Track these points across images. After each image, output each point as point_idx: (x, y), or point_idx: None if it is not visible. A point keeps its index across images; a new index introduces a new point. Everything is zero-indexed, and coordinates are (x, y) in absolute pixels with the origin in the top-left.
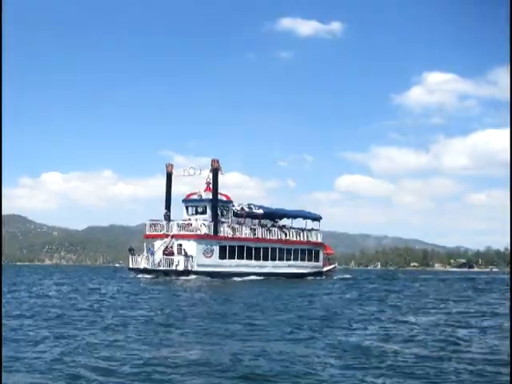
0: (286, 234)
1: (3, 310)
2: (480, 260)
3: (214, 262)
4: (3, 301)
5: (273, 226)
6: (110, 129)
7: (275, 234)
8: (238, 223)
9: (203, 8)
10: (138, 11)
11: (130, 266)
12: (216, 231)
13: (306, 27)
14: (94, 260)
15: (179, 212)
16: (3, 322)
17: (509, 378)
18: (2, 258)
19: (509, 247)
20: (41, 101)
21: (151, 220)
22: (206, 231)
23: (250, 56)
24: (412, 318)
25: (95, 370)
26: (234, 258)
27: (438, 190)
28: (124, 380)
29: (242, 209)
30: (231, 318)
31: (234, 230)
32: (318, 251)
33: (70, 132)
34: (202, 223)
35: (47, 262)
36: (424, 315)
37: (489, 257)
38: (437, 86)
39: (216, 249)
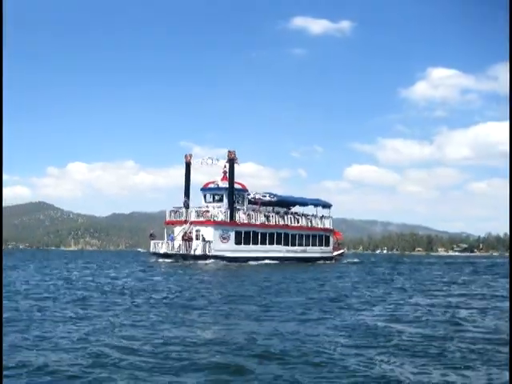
0: (298, 221)
1: (33, 290)
2: (481, 245)
3: (230, 247)
4: (33, 283)
5: (285, 212)
6: (132, 121)
7: (288, 221)
8: (253, 210)
9: (221, 8)
10: (162, 11)
11: (151, 250)
12: (232, 218)
13: (317, 26)
14: (116, 245)
15: (197, 200)
16: (37, 304)
17: (508, 356)
18: (32, 243)
19: (508, 233)
20: (67, 95)
21: (172, 207)
22: (223, 218)
23: (265, 53)
24: (417, 300)
25: (118, 349)
26: (249, 244)
27: (441, 180)
28: (145, 358)
29: (257, 197)
30: (246, 299)
31: (249, 216)
32: (328, 236)
33: (94, 124)
34: (218, 210)
35: (73, 247)
36: (428, 297)
37: (489, 242)
38: (440, 81)
39: (232, 234)
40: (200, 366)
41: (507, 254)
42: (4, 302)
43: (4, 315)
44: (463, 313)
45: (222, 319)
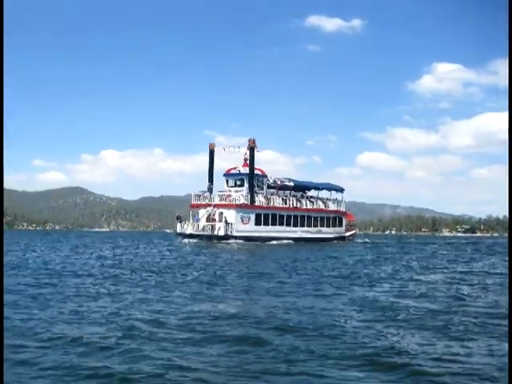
0: (313, 204)
1: (69, 268)
2: (482, 226)
3: (251, 228)
4: (68, 261)
5: (302, 196)
6: (161, 112)
7: (304, 204)
8: (272, 194)
9: (242, 9)
10: (191, 12)
11: (178, 231)
12: (252, 201)
13: (330, 24)
14: (146, 226)
15: (220, 184)
16: (73, 280)
17: (507, 329)
18: (67, 224)
19: (507, 215)
20: (101, 89)
21: (197, 191)
22: (244, 201)
23: (282, 49)
24: (423, 277)
25: (147, 322)
26: (268, 225)
27: (446, 166)
28: (172, 331)
29: (275, 182)
30: (265, 276)
31: (268, 200)
32: (341, 218)
33: (126, 115)
34: (240, 194)
35: (105, 228)
36: (433, 274)
37: (490, 223)
38: (444, 75)
39: (252, 217)
40: (223, 338)
41: (506, 235)
42: (43, 279)
43: (43, 291)
44: (466, 289)
45: (243, 294)
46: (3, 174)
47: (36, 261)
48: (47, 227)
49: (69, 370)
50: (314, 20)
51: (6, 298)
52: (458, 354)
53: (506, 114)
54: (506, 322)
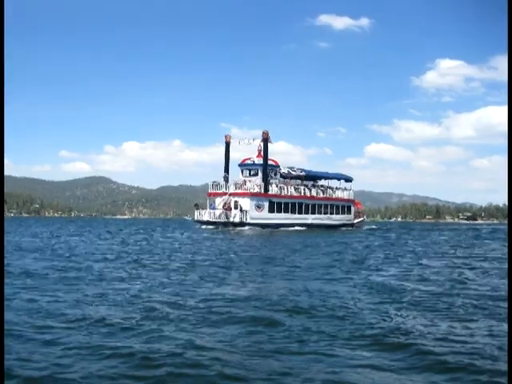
0: (323, 192)
1: (93, 253)
2: (483, 213)
3: (265, 216)
4: (93, 246)
5: (313, 185)
6: (179, 106)
7: (314, 192)
8: (284, 183)
9: (258, 8)
10: (211, 12)
11: (196, 218)
12: (266, 190)
13: (339, 22)
14: (165, 214)
15: (236, 174)
16: (96, 265)
17: (507, 311)
18: (91, 212)
19: (506, 203)
20: (123, 84)
21: (214, 181)
22: (258, 190)
23: (295, 46)
24: (427, 262)
25: (166, 304)
26: (281, 212)
27: (448, 156)
28: (190, 312)
29: (288, 171)
30: (278, 261)
31: (280, 189)
32: (350, 206)
33: (146, 108)
34: (254, 183)
35: (127, 215)
36: (437, 259)
37: (490, 211)
38: (447, 71)
39: (266, 204)
40: (238, 319)
41: (506, 222)
42: (68, 263)
43: (69, 274)
44: (467, 272)
45: (257, 278)
46: (3, 173)
47: (62, 246)
48: (72, 214)
49: (92, 350)
50: (324, 19)
51: (35, 281)
52: (460, 335)
53: (506, 108)
54: (505, 304)
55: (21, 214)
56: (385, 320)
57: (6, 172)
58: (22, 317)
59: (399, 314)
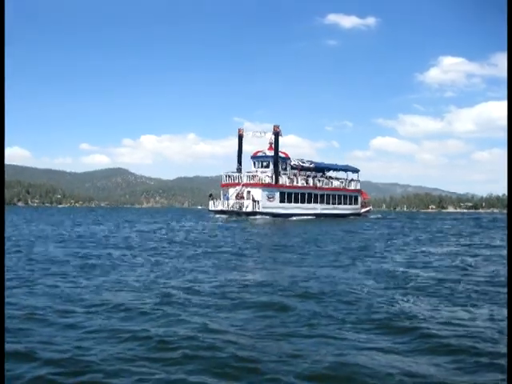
0: (331, 183)
1: (113, 241)
2: (484, 203)
3: (276, 205)
4: (112, 234)
5: (321, 177)
6: (194, 100)
7: (323, 183)
8: (294, 175)
9: (269, 7)
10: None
11: (210, 208)
12: (277, 181)
13: (347, 21)
14: (181, 203)
15: (248, 166)
16: (116, 252)
17: (506, 296)
18: (111, 202)
19: (506, 193)
20: (142, 80)
21: (227, 172)
22: (269, 181)
23: (305, 43)
24: (430, 249)
25: (182, 290)
26: (291, 202)
27: (451, 149)
28: (204, 297)
29: (297, 163)
30: (289, 248)
31: (291, 180)
32: (357, 197)
33: (163, 103)
34: (266, 175)
35: (145, 205)
36: (440, 247)
37: (491, 201)
38: (450, 68)
39: (277, 195)
40: (250, 304)
41: (505, 211)
42: (89, 250)
43: (89, 261)
44: (469, 259)
45: (269, 265)
46: (4, 172)
47: (83, 234)
48: (92, 204)
49: (111, 333)
50: (333, 18)
51: (57, 268)
52: (462, 319)
53: (505, 103)
54: (504, 290)
55: (43, 203)
56: (390, 305)
57: (29, 164)
58: (44, 302)
59: (404, 299)
